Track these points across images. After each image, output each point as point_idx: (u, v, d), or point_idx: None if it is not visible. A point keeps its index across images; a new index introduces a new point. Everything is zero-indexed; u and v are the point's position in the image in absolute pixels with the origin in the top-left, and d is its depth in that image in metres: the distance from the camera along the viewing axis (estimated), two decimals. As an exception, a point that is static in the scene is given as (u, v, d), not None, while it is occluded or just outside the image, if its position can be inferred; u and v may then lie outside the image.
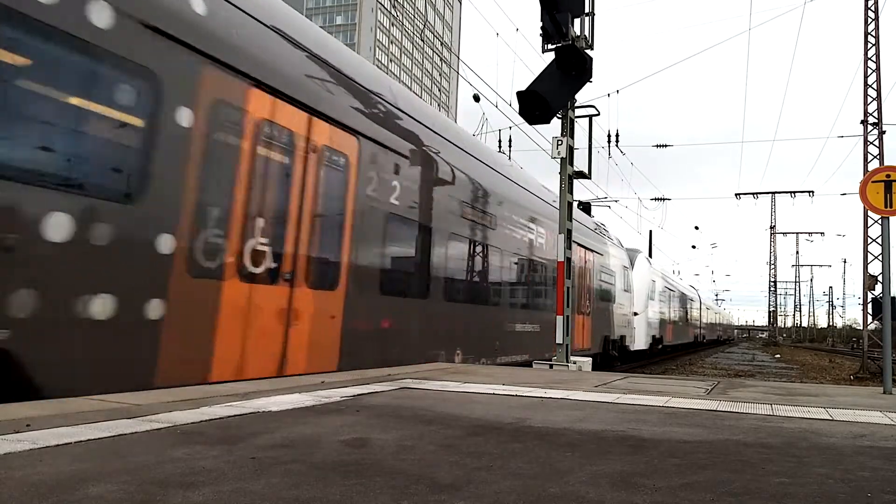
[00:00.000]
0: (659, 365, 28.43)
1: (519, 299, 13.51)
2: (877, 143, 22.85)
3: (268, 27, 6.50)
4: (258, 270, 6.13)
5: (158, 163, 5.14)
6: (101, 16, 4.65)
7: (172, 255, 5.22)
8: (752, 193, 45.65)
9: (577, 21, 10.62)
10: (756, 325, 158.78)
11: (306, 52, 7.08)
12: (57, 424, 3.37)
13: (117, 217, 4.79)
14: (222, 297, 5.75)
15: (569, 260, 11.19)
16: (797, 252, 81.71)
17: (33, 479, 2.40)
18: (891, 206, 7.39)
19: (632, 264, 25.80)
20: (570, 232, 11.30)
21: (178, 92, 5.30)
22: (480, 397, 5.50)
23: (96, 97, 4.72)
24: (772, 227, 62.67)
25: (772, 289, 66.92)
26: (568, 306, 10.99)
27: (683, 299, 45.20)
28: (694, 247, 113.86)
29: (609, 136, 23.22)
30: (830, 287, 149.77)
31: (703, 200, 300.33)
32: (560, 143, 11.06)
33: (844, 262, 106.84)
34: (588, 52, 10.60)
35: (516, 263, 13.09)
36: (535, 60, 12.30)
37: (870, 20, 23.32)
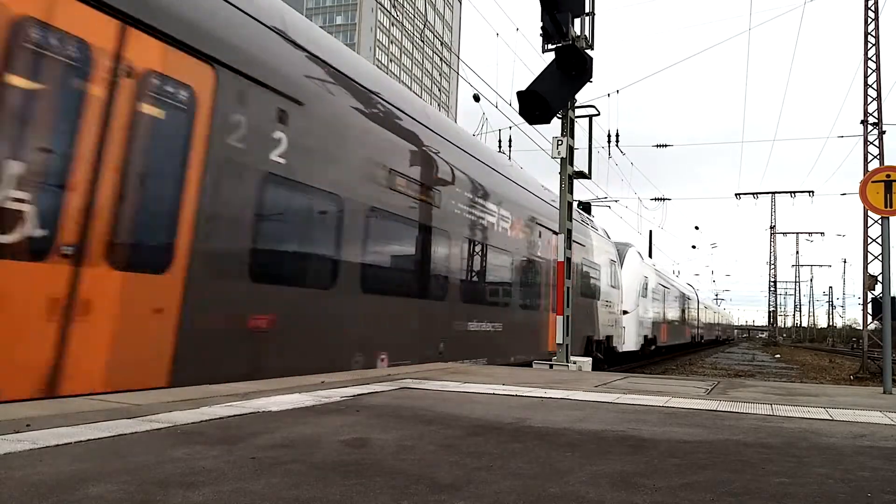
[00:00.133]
0: (658, 365, 28.32)
1: (474, 293, 11.36)
2: (877, 143, 22.86)
3: None
4: (7, 238, 4.24)
5: None
6: None
7: None
8: (752, 193, 45.68)
9: (577, 21, 10.63)
10: (756, 325, 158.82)
11: None
12: (57, 424, 3.37)
13: None
14: None
15: (569, 260, 11.21)
16: (797, 252, 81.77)
17: (33, 479, 2.40)
18: (891, 206, 7.39)
19: (621, 259, 24.12)
20: (570, 232, 11.31)
21: None
22: (480, 397, 5.50)
23: None
24: (772, 227, 62.73)
25: (772, 289, 66.99)
26: (568, 306, 11.01)
27: (680, 297, 42.92)
28: (694, 247, 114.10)
29: (609, 136, 23.26)
30: (830, 287, 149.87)
31: (703, 200, 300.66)
32: (560, 143, 11.06)
33: (844, 262, 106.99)
34: (588, 52, 10.61)
35: (470, 251, 11.04)
36: (535, 60, 12.30)
37: (870, 20, 23.32)
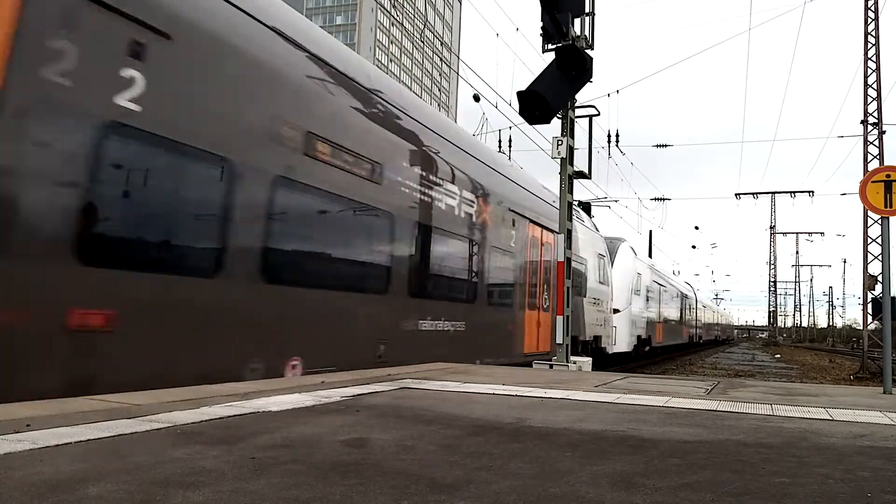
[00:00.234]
0: (658, 365, 28.24)
1: (428, 287, 9.61)
2: (877, 143, 22.87)
3: None
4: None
5: None
6: None
7: None
8: (752, 193, 45.72)
9: (577, 21, 10.64)
10: (756, 325, 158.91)
11: None
12: (57, 424, 3.37)
13: None
14: None
15: (569, 260, 11.21)
16: (797, 252, 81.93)
17: (33, 479, 2.40)
18: (891, 206, 7.39)
19: (613, 254, 22.78)
20: (570, 232, 11.32)
21: None
22: (480, 397, 5.50)
23: None
24: (772, 227, 62.78)
25: (772, 289, 67.06)
26: (568, 306, 11.02)
27: (677, 296, 41.22)
28: (694, 247, 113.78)
29: (609, 136, 23.27)
30: (830, 287, 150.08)
31: (703, 200, 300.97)
32: (560, 143, 11.07)
33: (844, 262, 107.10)
34: (588, 52, 10.62)
35: (423, 238, 9.34)
36: (535, 60, 12.29)
37: (870, 20, 23.33)
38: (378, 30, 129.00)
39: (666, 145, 33.56)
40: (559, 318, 10.92)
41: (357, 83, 8.15)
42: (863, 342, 25.14)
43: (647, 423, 4.35)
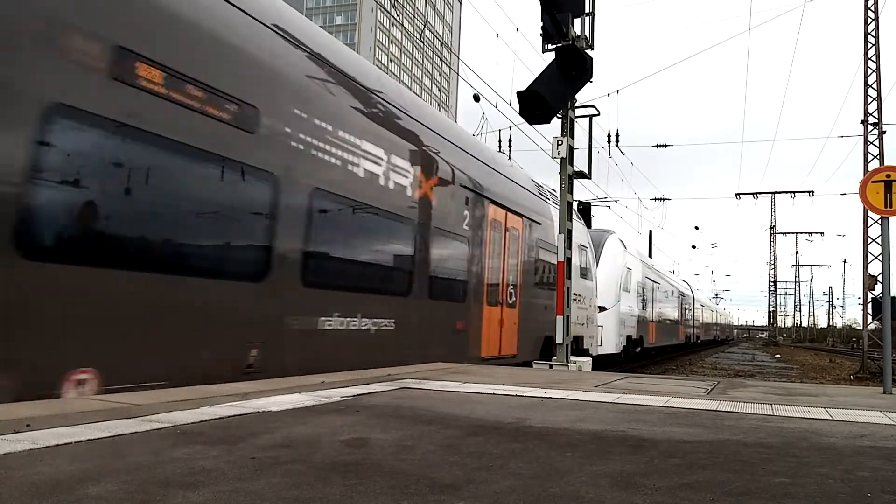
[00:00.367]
0: (658, 365, 28.17)
1: (335, 275, 7.63)
2: (877, 143, 22.88)
3: None
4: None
5: None
6: None
7: None
8: (752, 193, 45.76)
9: (577, 21, 10.65)
10: (756, 324, 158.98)
11: None
12: (57, 424, 3.37)
13: None
14: None
15: (569, 260, 11.22)
16: (797, 252, 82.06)
17: (33, 479, 2.40)
18: (891, 206, 7.39)
19: (599, 247, 20.85)
20: (569, 232, 11.31)
21: None
22: (480, 397, 5.50)
23: None
24: (772, 227, 62.78)
25: (772, 289, 67.07)
26: (568, 306, 11.02)
27: (673, 294, 38.73)
28: (694, 247, 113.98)
29: (609, 136, 23.28)
30: (830, 287, 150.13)
31: (703, 200, 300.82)
32: (560, 143, 11.07)
33: (844, 262, 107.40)
34: (588, 52, 10.63)
35: (327, 211, 7.33)
36: (535, 60, 12.31)
37: (870, 20, 23.33)
38: (378, 30, 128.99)
39: (666, 145, 33.59)
40: (559, 318, 10.93)
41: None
42: (863, 342, 25.14)
43: (647, 423, 4.35)
